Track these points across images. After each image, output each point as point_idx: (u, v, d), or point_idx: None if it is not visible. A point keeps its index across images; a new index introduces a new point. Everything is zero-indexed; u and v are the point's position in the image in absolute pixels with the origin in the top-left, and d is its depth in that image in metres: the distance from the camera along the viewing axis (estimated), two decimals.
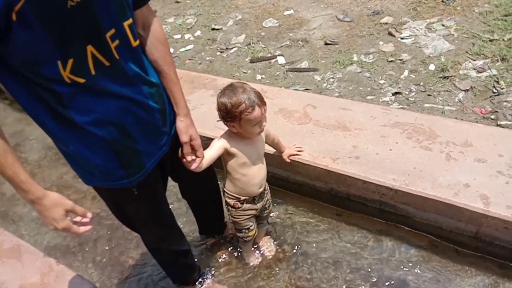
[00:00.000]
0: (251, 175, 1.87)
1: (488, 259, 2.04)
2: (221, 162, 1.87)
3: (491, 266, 2.01)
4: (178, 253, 1.90)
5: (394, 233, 2.23)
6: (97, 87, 1.20)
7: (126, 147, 1.37)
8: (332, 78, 3.17)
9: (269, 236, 2.33)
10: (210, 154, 1.74)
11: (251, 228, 2.06)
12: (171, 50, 4.08)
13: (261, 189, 1.95)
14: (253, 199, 1.96)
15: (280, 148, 2.23)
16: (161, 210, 1.70)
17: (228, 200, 1.97)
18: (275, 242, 2.31)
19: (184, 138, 1.52)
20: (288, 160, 2.25)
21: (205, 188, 2.03)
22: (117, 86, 1.24)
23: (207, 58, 3.85)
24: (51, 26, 1.03)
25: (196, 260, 2.10)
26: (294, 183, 2.47)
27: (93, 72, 1.17)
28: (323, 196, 2.42)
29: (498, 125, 2.49)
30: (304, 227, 2.36)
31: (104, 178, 1.41)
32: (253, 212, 2.00)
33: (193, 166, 1.60)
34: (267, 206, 2.09)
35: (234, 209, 1.97)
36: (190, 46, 4.11)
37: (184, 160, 1.59)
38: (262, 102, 1.69)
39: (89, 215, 1.32)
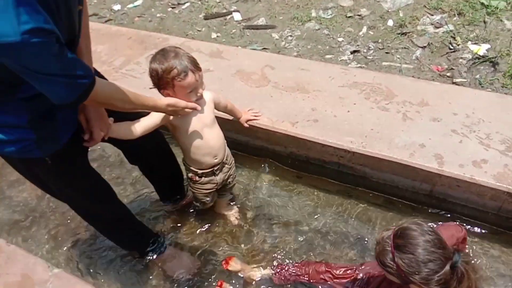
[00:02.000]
0: (198, 144, 1.80)
1: (441, 215, 2.12)
2: None
3: (444, 220, 2.09)
4: (115, 221, 1.84)
5: (352, 193, 2.27)
6: None
7: (47, 129, 1.33)
8: (291, 36, 3.06)
9: (232, 203, 2.30)
10: (146, 122, 1.66)
11: (207, 202, 2.05)
12: (118, 6, 3.80)
13: (216, 160, 1.89)
14: (212, 172, 1.90)
15: (236, 114, 2.14)
16: (82, 176, 1.61)
17: (187, 172, 1.90)
18: (237, 207, 2.29)
19: (79, 117, 1.45)
20: (246, 125, 2.19)
21: (153, 153, 1.94)
22: None
23: (158, 15, 3.59)
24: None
25: (155, 229, 2.05)
26: (254, 147, 2.43)
27: None
28: (283, 159, 2.40)
29: (453, 83, 2.51)
30: (265, 190, 2.35)
31: (16, 149, 1.33)
32: (213, 186, 1.95)
33: (85, 143, 1.49)
34: (229, 180, 2.05)
35: (192, 182, 1.91)
36: (139, 2, 3.82)
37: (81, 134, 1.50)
38: (196, 68, 1.60)
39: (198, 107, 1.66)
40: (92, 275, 2.09)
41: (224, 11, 3.48)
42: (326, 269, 1.78)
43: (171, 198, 2.29)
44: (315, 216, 2.20)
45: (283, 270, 1.90)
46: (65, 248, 2.24)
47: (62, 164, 1.44)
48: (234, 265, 1.98)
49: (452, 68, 2.62)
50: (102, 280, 2.07)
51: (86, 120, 1.45)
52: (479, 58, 2.65)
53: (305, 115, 2.27)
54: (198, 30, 3.32)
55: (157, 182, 2.18)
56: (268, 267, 1.98)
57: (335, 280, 1.75)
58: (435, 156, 1.99)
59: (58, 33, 1.04)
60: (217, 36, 3.22)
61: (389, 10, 3.17)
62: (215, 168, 1.91)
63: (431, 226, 1.32)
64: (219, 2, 3.61)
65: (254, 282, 1.96)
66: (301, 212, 2.23)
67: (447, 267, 1.23)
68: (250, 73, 2.59)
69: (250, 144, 2.42)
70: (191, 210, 2.30)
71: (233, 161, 2.06)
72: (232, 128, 2.28)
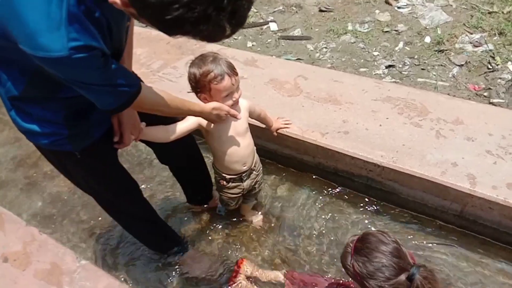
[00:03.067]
0: (230, 152, 1.83)
1: (470, 236, 2.06)
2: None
3: (473, 242, 2.04)
4: (140, 221, 1.88)
5: (379, 208, 2.24)
6: None
7: (80, 127, 1.39)
8: (325, 47, 3.07)
9: (256, 210, 2.32)
10: (180, 127, 1.71)
11: (232, 205, 2.07)
12: None
13: (245, 167, 1.91)
14: (240, 178, 1.93)
15: (268, 123, 2.17)
16: (111, 174, 1.65)
17: (215, 175, 1.94)
18: (261, 214, 2.30)
19: (111, 118, 1.49)
20: (275, 134, 2.21)
21: (183, 156, 1.97)
22: None
23: None
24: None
25: (179, 229, 2.09)
26: (282, 156, 2.44)
27: None
28: (311, 169, 2.40)
29: (490, 103, 2.45)
30: (291, 199, 2.36)
31: (48, 142, 1.38)
32: (239, 191, 1.98)
33: (115, 145, 1.54)
34: (256, 186, 2.07)
35: (219, 185, 1.94)
36: None
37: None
38: (233, 72, 1.64)
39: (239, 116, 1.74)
40: (117, 269, 2.15)
41: (261, 21, 3.54)
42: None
43: (197, 199, 2.33)
44: (339, 230, 2.18)
45: (294, 279, 1.90)
46: (94, 241, 2.32)
47: (91, 159, 1.49)
48: (246, 268, 2.00)
49: (489, 88, 2.56)
50: (126, 275, 2.12)
51: (119, 123, 1.50)
52: None
53: (336, 126, 2.27)
54: (234, 39, 3.39)
55: (185, 184, 2.23)
56: (279, 272, 1.99)
57: None
58: (468, 176, 1.94)
59: (105, 49, 1.08)
60: (252, 45, 3.28)
61: (427, 27, 3.13)
62: (243, 174, 1.94)
63: (396, 238, 1.35)
64: (257, 12, 3.68)
65: (265, 285, 1.97)
66: (326, 224, 2.21)
67: (402, 277, 1.25)
68: (283, 82, 2.62)
69: (278, 152, 2.43)
70: (217, 212, 2.33)
71: (261, 168, 2.08)
72: (262, 135, 2.30)
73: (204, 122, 1.75)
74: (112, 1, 0.91)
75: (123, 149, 1.64)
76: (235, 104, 1.74)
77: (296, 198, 2.35)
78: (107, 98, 1.20)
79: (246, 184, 1.98)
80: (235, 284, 1.98)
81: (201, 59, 1.65)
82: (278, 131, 2.22)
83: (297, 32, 3.31)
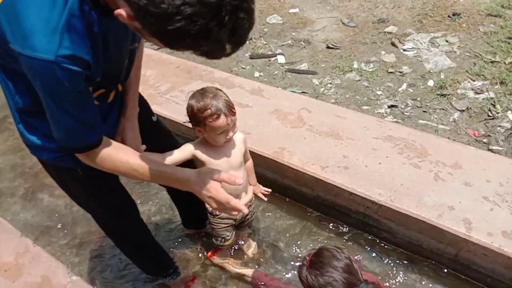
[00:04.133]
0: (222, 186, 1.83)
1: (465, 281, 2.05)
2: None
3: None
4: (136, 244, 1.87)
5: (374, 245, 2.24)
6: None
7: None
8: (330, 83, 3.15)
9: (251, 238, 2.31)
10: (175, 156, 1.71)
11: (227, 238, 2.05)
12: None
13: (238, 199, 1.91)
14: None
15: (250, 178, 2.07)
16: (112, 196, 1.65)
17: (207, 205, 1.94)
18: (257, 243, 2.30)
19: (116, 139, 1.46)
20: (254, 195, 2.09)
21: None
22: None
23: None
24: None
25: (172, 251, 2.08)
26: (281, 186, 2.46)
27: (109, 100, 1.38)
28: (309, 202, 2.42)
29: (489, 150, 2.49)
30: (287, 230, 2.36)
31: (51, 156, 1.39)
32: (231, 221, 1.98)
33: None
34: (248, 217, 2.07)
35: (212, 216, 1.95)
36: None
37: None
38: (230, 112, 1.63)
39: (238, 181, 1.30)
40: (107, 286, 2.13)
41: (270, 53, 3.64)
42: None
43: (193, 223, 2.33)
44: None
45: (260, 281, 1.98)
46: (86, 256, 2.31)
47: (92, 176, 1.47)
48: (218, 258, 2.14)
49: (489, 135, 2.60)
50: None
51: (122, 141, 1.49)
52: None
53: (336, 161, 2.30)
54: (242, 68, 3.48)
55: (181, 207, 2.23)
56: (250, 270, 2.08)
57: None
58: (464, 220, 1.95)
59: (93, 68, 1.08)
60: (259, 75, 3.36)
61: (431, 71, 3.22)
62: None
63: (349, 255, 1.43)
64: (266, 44, 3.78)
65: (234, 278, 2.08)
66: None
67: None
68: (287, 113, 2.67)
69: (278, 182, 2.45)
70: (210, 239, 2.33)
71: (254, 198, 2.08)
72: (262, 163, 2.33)
73: (198, 153, 1.76)
74: (118, 13, 0.91)
75: None
76: (228, 141, 1.75)
77: (292, 229, 2.35)
78: (62, 132, 1.18)
79: (239, 215, 1.98)
80: None
81: (201, 93, 1.66)
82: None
83: (303, 66, 3.40)
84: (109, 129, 1.45)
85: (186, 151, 1.75)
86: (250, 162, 2.04)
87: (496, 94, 2.93)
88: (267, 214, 2.43)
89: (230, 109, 1.65)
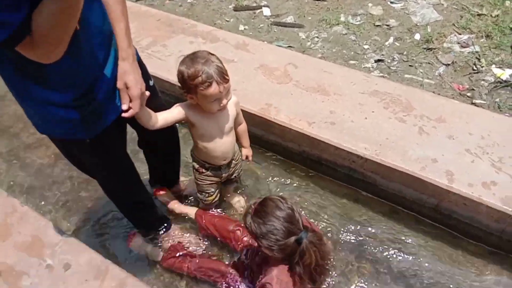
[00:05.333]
0: (211, 148, 1.82)
1: (444, 230, 2.14)
2: None
3: (446, 237, 2.13)
4: (137, 203, 1.90)
5: (359, 197, 2.31)
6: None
7: (90, 105, 1.35)
8: (317, 37, 3.09)
9: (238, 192, 2.34)
10: (165, 116, 1.67)
11: (211, 193, 2.07)
12: None
13: (225, 162, 1.92)
14: (219, 167, 1.94)
15: (244, 141, 2.06)
16: (117, 161, 1.65)
17: (193, 163, 1.94)
18: (245, 198, 2.33)
19: (118, 83, 1.39)
20: (243, 158, 2.10)
21: (162, 138, 1.94)
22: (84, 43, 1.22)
23: (189, 1, 3.64)
24: None
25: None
26: (267, 142, 2.47)
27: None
28: (295, 157, 2.44)
29: (473, 103, 2.53)
30: (274, 183, 2.39)
31: (62, 130, 1.38)
32: (217, 179, 1.99)
33: (123, 114, 1.42)
34: (235, 175, 2.09)
35: (198, 173, 1.95)
36: None
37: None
38: (222, 79, 1.56)
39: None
40: (99, 244, 2.16)
41: (254, 4, 3.51)
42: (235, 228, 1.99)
43: (160, 182, 2.32)
44: (319, 215, 2.24)
45: (203, 219, 2.09)
46: (76, 216, 2.31)
47: (99, 145, 1.46)
48: (164, 197, 2.24)
49: (473, 89, 2.63)
50: (108, 249, 2.14)
51: (126, 87, 1.41)
52: (501, 82, 2.66)
53: (323, 116, 2.30)
54: (226, 21, 3.36)
55: (155, 167, 2.22)
56: (193, 209, 2.18)
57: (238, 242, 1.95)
58: (446, 172, 2.01)
59: None
60: (244, 28, 3.26)
61: (418, 24, 3.18)
62: (223, 166, 1.96)
63: (292, 205, 1.51)
64: None
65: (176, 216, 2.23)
66: (307, 209, 2.27)
67: (291, 240, 1.43)
68: (273, 69, 2.63)
69: (264, 138, 2.45)
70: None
71: (240, 157, 2.08)
72: (249, 120, 2.30)
73: (190, 115, 1.72)
74: None
75: None
76: (222, 109, 1.70)
77: (279, 183, 2.39)
78: None
79: (225, 172, 1.99)
80: None
81: (192, 59, 1.58)
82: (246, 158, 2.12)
83: (289, 19, 3.30)
84: (109, 78, 1.38)
85: (175, 112, 1.71)
86: (243, 126, 2.02)
87: (482, 48, 2.93)
88: (254, 170, 2.46)
89: (223, 76, 1.57)
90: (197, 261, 1.97)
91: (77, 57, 1.22)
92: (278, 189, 2.36)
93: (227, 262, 2.01)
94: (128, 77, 1.37)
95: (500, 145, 2.13)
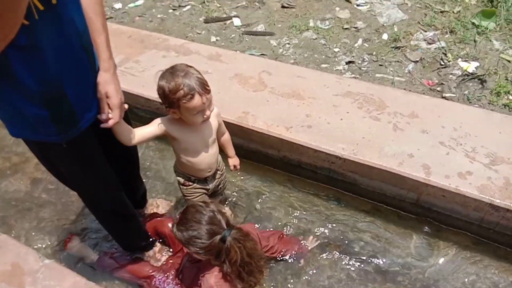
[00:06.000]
0: (196, 161, 1.81)
1: (426, 222, 2.19)
2: None
3: (430, 228, 2.17)
4: (119, 215, 1.85)
5: (341, 198, 2.33)
6: (37, 36, 1.14)
7: (60, 103, 1.33)
8: (288, 43, 3.13)
9: (224, 204, 2.34)
10: (143, 131, 1.65)
11: None
12: (119, 5, 3.83)
13: (210, 173, 1.91)
14: (204, 179, 1.94)
15: (229, 150, 2.06)
16: (95, 169, 1.62)
17: (178, 178, 1.93)
18: (230, 208, 2.33)
19: (98, 93, 1.41)
20: (232, 168, 2.11)
21: (123, 161, 1.88)
22: (54, 36, 1.19)
23: (159, 16, 3.64)
24: None
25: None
26: (247, 150, 2.47)
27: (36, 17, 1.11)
28: (276, 163, 2.46)
29: (443, 97, 2.60)
30: (257, 192, 2.40)
31: (35, 131, 1.36)
32: (204, 191, 1.99)
33: (103, 124, 1.44)
34: (221, 186, 2.08)
35: (184, 187, 1.94)
36: (140, 2, 3.86)
37: (98, 115, 1.45)
38: (204, 90, 1.56)
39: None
40: (81, 268, 2.11)
41: (224, 16, 3.54)
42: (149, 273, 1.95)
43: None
44: (303, 219, 2.25)
45: (106, 258, 2.08)
46: (55, 240, 2.26)
47: (76, 148, 1.45)
48: (71, 245, 2.16)
49: (442, 83, 2.71)
50: (92, 274, 2.09)
51: (107, 96, 1.42)
52: (468, 75, 2.74)
53: (300, 120, 2.33)
54: (198, 33, 3.37)
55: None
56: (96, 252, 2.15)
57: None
58: (423, 166, 2.06)
59: None
60: (216, 39, 3.28)
61: (385, 24, 3.26)
62: (208, 178, 1.95)
63: (214, 207, 1.56)
64: (220, 6, 3.67)
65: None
66: (289, 214, 2.28)
67: (215, 240, 1.50)
68: (248, 78, 2.65)
69: (244, 147, 2.46)
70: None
71: (224, 167, 2.08)
72: (228, 129, 2.32)
73: (172, 130, 1.70)
74: None
75: None
76: (205, 120, 1.68)
77: (262, 191, 2.40)
78: None
79: (212, 184, 1.99)
80: None
81: (171, 72, 1.57)
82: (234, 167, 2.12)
83: (260, 28, 3.34)
84: (84, 84, 1.38)
85: (155, 127, 1.68)
86: (227, 135, 2.02)
87: (447, 43, 3.02)
88: (237, 179, 2.46)
89: (204, 87, 1.56)
90: (124, 267, 2.00)
91: (45, 51, 1.19)
92: (261, 197, 2.37)
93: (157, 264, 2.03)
94: (109, 87, 1.40)
95: (472, 135, 2.20)
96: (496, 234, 2.04)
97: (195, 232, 1.50)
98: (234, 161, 2.10)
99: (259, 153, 2.46)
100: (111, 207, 1.80)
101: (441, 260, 2.06)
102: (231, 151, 2.08)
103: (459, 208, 2.02)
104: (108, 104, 1.44)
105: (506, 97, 2.58)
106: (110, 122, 1.44)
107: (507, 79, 2.70)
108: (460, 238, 2.12)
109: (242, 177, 2.47)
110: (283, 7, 3.55)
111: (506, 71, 2.76)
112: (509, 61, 2.86)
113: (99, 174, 1.64)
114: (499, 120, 2.30)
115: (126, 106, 1.52)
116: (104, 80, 1.40)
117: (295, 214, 2.28)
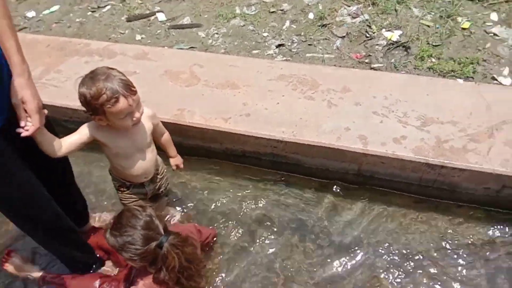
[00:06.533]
0: (129, 166, 1.74)
1: (372, 190, 2.26)
2: None
3: (374, 195, 2.25)
4: (52, 228, 1.71)
5: (289, 180, 2.35)
6: None
7: None
8: (217, 33, 3.08)
9: (171, 206, 2.28)
10: (70, 140, 1.57)
11: None
12: (33, 13, 3.58)
13: (147, 178, 1.85)
14: (141, 184, 1.87)
15: (170, 151, 2.00)
16: (13, 178, 1.48)
17: (114, 182, 1.85)
18: (179, 209, 2.27)
19: (13, 99, 1.34)
20: (174, 168, 2.05)
21: (47, 163, 1.70)
22: None
23: (77, 20, 3.43)
24: None
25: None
26: (188, 147, 2.42)
27: None
28: (220, 155, 2.43)
29: (371, 68, 2.68)
30: (205, 188, 2.36)
31: None
32: (142, 196, 1.92)
33: (23, 133, 1.35)
34: (162, 189, 2.02)
35: (119, 191, 1.86)
36: (55, 7, 3.62)
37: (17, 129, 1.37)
38: (129, 92, 1.49)
39: None
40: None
41: (147, 12, 3.41)
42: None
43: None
44: (254, 207, 2.25)
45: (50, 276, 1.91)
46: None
47: None
48: (11, 261, 1.96)
49: (369, 55, 2.79)
50: None
51: (22, 102, 1.33)
52: (393, 44, 2.85)
53: (237, 110, 2.31)
54: (121, 33, 3.23)
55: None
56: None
57: None
58: (360, 137, 2.12)
59: None
60: (141, 37, 3.16)
61: (309, 4, 3.30)
62: (146, 182, 1.88)
63: (151, 212, 1.52)
64: (141, 3, 3.53)
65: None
66: (241, 203, 2.27)
67: (151, 246, 1.44)
68: (179, 73, 2.58)
69: (184, 144, 2.40)
70: None
71: (165, 170, 2.03)
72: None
73: (100, 136, 1.62)
74: None
75: None
76: (136, 123, 1.60)
77: (210, 186, 2.37)
78: None
79: (150, 188, 1.92)
80: None
81: (91, 78, 1.48)
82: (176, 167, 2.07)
83: (186, 20, 3.26)
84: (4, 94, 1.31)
85: (82, 134, 1.60)
86: (166, 135, 1.95)
87: (370, 16, 3.11)
88: (183, 178, 2.40)
89: (129, 88, 1.49)
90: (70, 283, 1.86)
91: None
92: (210, 192, 2.34)
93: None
94: (25, 92, 1.32)
95: (402, 101, 2.29)
96: (436, 190, 2.15)
97: (130, 237, 1.43)
98: (176, 160, 2.05)
99: (202, 148, 2.41)
100: (40, 219, 1.65)
101: (389, 223, 2.14)
102: (172, 151, 2.03)
103: (397, 171, 2.11)
104: (26, 110, 1.35)
105: (429, 60, 2.71)
106: (30, 130, 1.35)
107: (428, 43, 2.83)
108: (403, 199, 2.21)
109: (188, 175, 2.42)
110: None
111: (427, 36, 2.89)
112: (428, 26, 2.99)
113: (16, 183, 1.50)
114: (426, 83, 2.42)
115: (45, 111, 1.43)
116: (19, 85, 1.32)
117: (246, 200, 2.28)
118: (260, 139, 2.21)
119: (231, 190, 2.34)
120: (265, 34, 3.03)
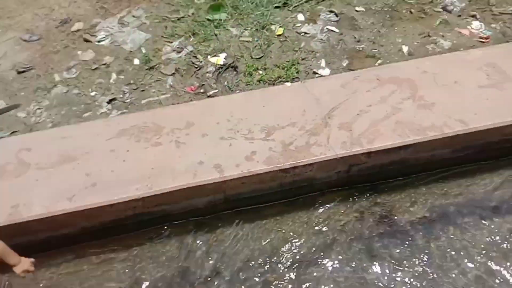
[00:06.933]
0: None
1: (243, 211, 2.29)
2: None
3: (246, 216, 2.27)
4: None
5: (163, 234, 2.24)
6: None
7: None
8: (39, 108, 2.80)
9: None
10: None
11: None
12: None
13: None
14: None
15: (9, 258, 1.74)
16: None
17: None
18: None
19: None
20: (22, 275, 1.78)
21: None
22: None
23: None
24: None
25: None
26: (39, 242, 2.12)
27: None
28: (79, 239, 2.18)
29: (208, 96, 2.72)
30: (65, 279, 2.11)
31: None
32: None
33: None
34: None
35: None
36: None
37: None
38: None
39: None
40: None
41: None
42: None
43: None
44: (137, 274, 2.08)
45: None
46: None
47: None
48: None
49: (203, 84, 2.84)
50: None
51: None
52: (221, 67, 2.94)
53: (81, 184, 2.10)
54: None
55: None
56: None
57: None
58: (215, 167, 2.11)
59: None
60: None
61: (132, 50, 3.23)
62: None
63: None
64: None
65: None
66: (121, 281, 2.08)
67: None
68: (4, 166, 2.25)
69: (33, 241, 2.09)
70: None
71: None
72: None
73: None
74: None
75: None
76: None
77: (72, 276, 2.11)
78: None
79: None
80: None
81: None
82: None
83: (1, 105, 2.91)
84: None
85: None
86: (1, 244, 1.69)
87: (194, 46, 3.18)
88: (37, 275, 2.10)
89: None
90: None
91: None
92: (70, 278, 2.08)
93: None
94: None
95: (243, 119, 2.36)
96: (298, 189, 2.25)
97: None
98: (22, 266, 1.76)
99: (55, 238, 2.13)
100: None
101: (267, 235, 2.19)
102: (12, 259, 1.74)
103: (260, 185, 2.16)
104: None
105: (257, 73, 2.87)
106: None
107: (252, 58, 2.99)
108: (275, 209, 2.28)
109: (46, 278, 2.11)
110: (19, 72, 3.15)
111: (249, 51, 3.06)
112: (248, 41, 3.18)
113: None
114: (259, 96, 2.54)
115: None
116: None
117: (127, 274, 2.09)
118: (117, 205, 2.04)
119: (103, 273, 2.11)
120: (92, 94, 2.86)
